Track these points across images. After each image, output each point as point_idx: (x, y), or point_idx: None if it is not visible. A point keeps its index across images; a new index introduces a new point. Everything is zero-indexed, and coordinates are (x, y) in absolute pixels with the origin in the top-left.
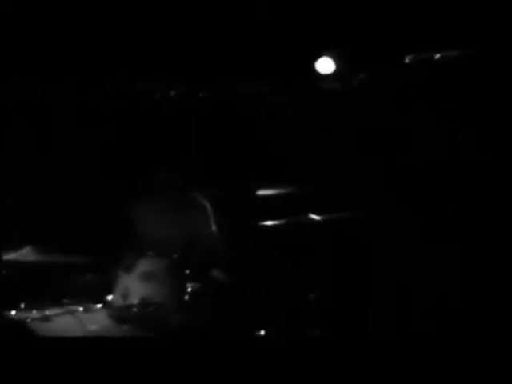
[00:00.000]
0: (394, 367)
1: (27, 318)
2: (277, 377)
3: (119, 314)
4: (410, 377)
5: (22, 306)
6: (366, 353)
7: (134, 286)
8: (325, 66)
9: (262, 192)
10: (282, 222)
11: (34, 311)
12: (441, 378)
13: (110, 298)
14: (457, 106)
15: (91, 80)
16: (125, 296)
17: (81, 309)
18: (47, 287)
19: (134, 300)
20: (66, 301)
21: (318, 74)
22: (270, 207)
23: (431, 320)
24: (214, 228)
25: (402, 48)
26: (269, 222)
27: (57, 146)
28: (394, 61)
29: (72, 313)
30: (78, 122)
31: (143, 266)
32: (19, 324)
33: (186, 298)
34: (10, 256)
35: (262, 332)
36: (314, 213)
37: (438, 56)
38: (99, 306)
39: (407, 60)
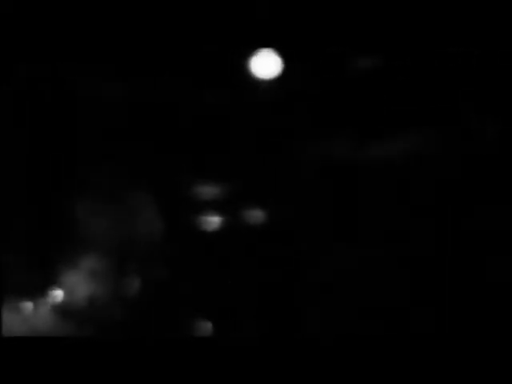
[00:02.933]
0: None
1: None
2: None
3: (64, 311)
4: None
5: None
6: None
7: (79, 283)
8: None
9: (201, 188)
10: (223, 218)
11: None
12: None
13: (54, 294)
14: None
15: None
16: (70, 293)
17: (24, 305)
18: None
19: (80, 297)
20: (7, 297)
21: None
22: (210, 203)
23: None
24: (155, 225)
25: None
26: (209, 219)
27: None
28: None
29: (15, 309)
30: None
31: (88, 262)
32: None
33: (131, 295)
34: None
35: (203, 330)
36: (253, 209)
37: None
38: (43, 302)
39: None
